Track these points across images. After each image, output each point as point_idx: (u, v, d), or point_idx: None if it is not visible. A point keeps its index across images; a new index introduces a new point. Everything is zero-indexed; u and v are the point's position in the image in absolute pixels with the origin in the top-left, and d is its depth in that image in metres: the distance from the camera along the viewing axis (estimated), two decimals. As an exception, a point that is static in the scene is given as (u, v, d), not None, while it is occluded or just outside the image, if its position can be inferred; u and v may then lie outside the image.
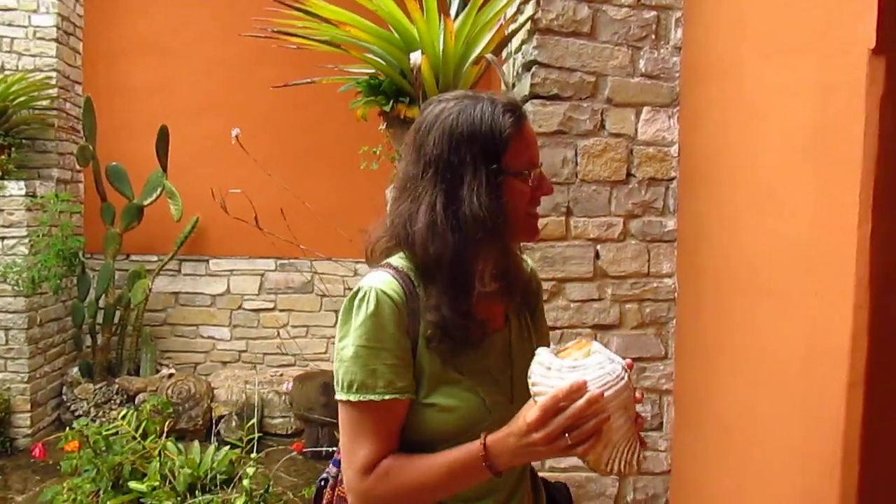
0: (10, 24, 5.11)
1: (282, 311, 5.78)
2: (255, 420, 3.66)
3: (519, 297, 1.35)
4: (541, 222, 2.33)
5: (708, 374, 2.25)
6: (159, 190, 5.19)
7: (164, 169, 5.17)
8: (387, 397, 1.16)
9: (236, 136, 2.86)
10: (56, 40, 5.15)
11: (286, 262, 5.70)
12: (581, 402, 1.03)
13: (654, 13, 2.39)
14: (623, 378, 1.07)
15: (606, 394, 1.04)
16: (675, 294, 2.44)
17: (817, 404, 1.71)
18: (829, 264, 1.63)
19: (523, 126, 1.22)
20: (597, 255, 2.41)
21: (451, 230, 1.17)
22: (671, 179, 2.43)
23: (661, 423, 2.47)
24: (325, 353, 5.75)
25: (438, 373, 1.21)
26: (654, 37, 2.39)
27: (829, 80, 1.65)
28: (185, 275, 5.73)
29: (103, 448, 3.26)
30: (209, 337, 5.76)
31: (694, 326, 2.34)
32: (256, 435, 3.32)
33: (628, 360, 1.12)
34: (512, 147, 1.19)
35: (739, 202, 2.05)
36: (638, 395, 1.12)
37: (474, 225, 1.16)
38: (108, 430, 3.35)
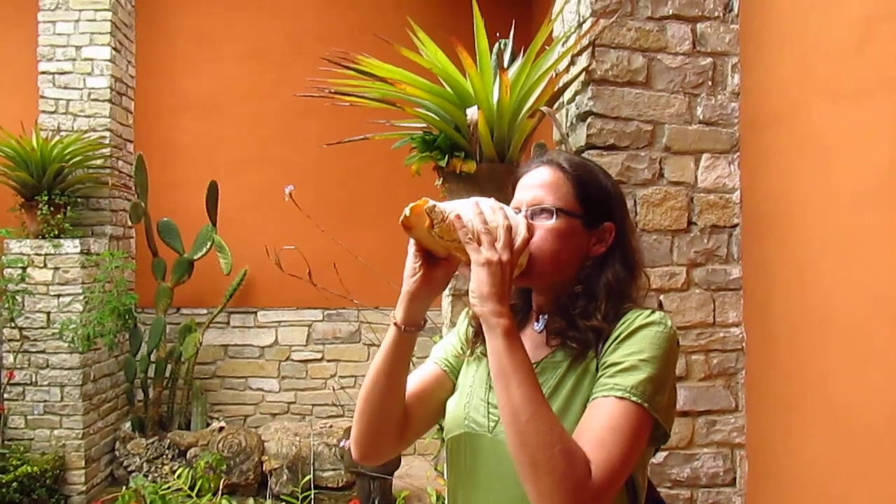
0: (66, 87, 5.28)
1: (329, 361, 5.77)
2: (310, 476, 3.62)
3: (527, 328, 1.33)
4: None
5: (783, 427, 2.17)
6: (209, 244, 5.26)
7: (214, 223, 5.25)
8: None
9: (290, 193, 2.88)
10: (109, 101, 5.31)
11: (333, 312, 5.72)
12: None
13: (709, 60, 2.36)
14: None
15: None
16: (744, 344, 2.37)
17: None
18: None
19: (522, 175, 1.29)
20: (660, 306, 2.35)
21: None
22: (734, 226, 2.37)
23: (735, 479, 2.38)
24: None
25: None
26: (710, 83, 2.36)
27: (907, 126, 1.60)
28: (234, 327, 5.77)
29: (160, 507, 3.25)
30: (258, 389, 5.76)
31: (766, 377, 2.26)
32: (313, 492, 3.28)
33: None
34: (517, 187, 1.29)
35: (812, 248, 1.99)
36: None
37: None
38: (163, 489, 3.34)
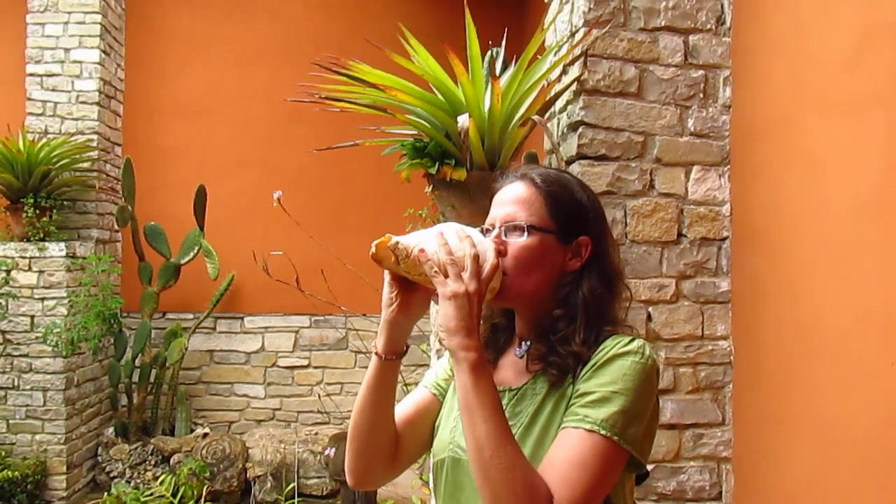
0: (54, 90, 5.25)
1: (316, 367, 5.73)
2: (294, 484, 3.58)
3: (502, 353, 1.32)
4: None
5: (770, 441, 2.16)
6: (196, 249, 5.23)
7: (202, 228, 5.21)
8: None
9: (278, 199, 2.86)
10: (98, 104, 5.27)
11: (321, 318, 5.68)
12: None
13: (701, 72, 2.36)
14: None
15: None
16: (732, 357, 2.36)
17: (894, 480, 1.62)
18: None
19: (497, 190, 1.28)
20: (648, 318, 2.34)
21: None
22: (724, 239, 2.37)
23: (721, 493, 2.36)
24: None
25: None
26: (702, 96, 2.36)
27: (898, 141, 1.60)
28: (220, 332, 5.73)
29: (141, 514, 3.20)
30: (244, 395, 5.72)
31: (753, 391, 2.25)
32: (297, 500, 3.24)
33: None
34: (492, 202, 1.28)
35: (801, 262, 1.99)
36: None
37: None
38: (145, 495, 3.30)
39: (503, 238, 1.21)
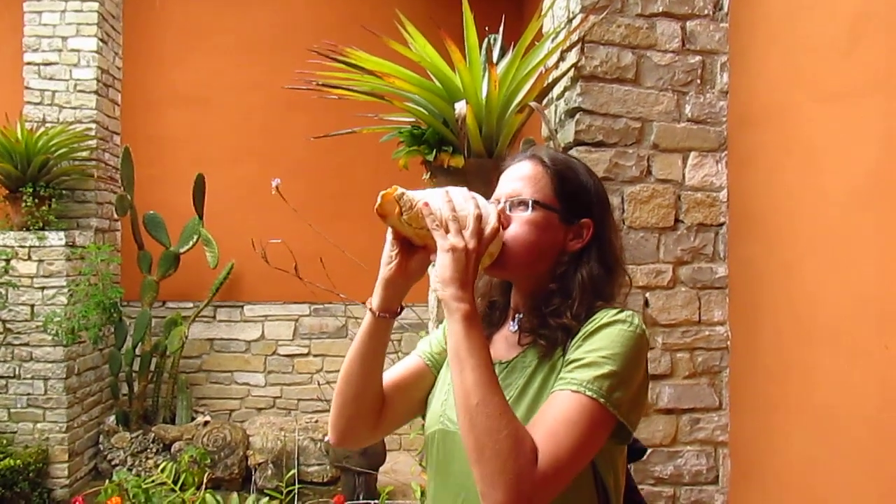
0: (51, 78, 5.24)
1: (316, 356, 5.75)
2: (295, 471, 3.61)
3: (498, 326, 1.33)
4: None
5: (766, 425, 2.17)
6: (196, 238, 5.23)
7: (201, 216, 5.22)
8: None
9: (276, 187, 2.86)
10: (96, 93, 5.26)
11: (320, 306, 5.70)
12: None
13: (698, 58, 2.36)
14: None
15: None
16: (728, 342, 2.37)
17: (890, 463, 1.63)
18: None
19: (513, 164, 1.30)
20: (646, 303, 2.35)
21: None
22: (720, 225, 2.38)
23: (717, 477, 2.38)
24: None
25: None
26: (699, 82, 2.36)
27: (893, 125, 1.60)
28: (220, 321, 5.74)
29: (143, 501, 3.23)
30: (244, 383, 5.74)
31: (750, 376, 2.27)
32: (297, 487, 3.27)
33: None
34: (500, 180, 1.30)
35: (798, 248, 2.00)
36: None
37: None
38: (146, 482, 3.32)
39: (507, 213, 1.23)
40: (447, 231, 1.12)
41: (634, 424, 1.16)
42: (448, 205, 1.14)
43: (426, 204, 1.14)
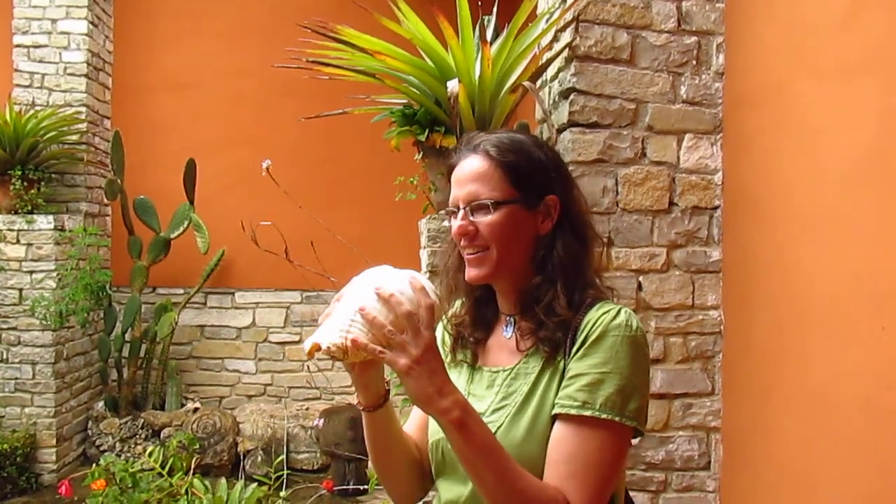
0: (41, 61, 5.17)
1: (307, 343, 5.71)
2: (283, 457, 3.58)
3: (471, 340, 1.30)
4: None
5: (760, 411, 2.15)
6: (186, 223, 5.19)
7: (192, 202, 5.17)
8: None
9: (267, 168, 2.83)
10: (86, 76, 5.20)
11: (312, 294, 5.66)
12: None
13: (694, 38, 2.33)
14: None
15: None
16: (722, 327, 2.35)
17: (885, 446, 1.61)
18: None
19: (455, 165, 1.25)
20: (639, 287, 2.33)
21: None
22: (715, 208, 2.35)
23: (709, 463, 2.36)
24: (351, 386, 5.66)
25: None
26: (695, 62, 2.33)
27: (891, 102, 1.57)
28: (211, 307, 5.70)
29: (129, 485, 3.19)
30: (234, 370, 5.71)
31: (743, 361, 2.25)
32: (285, 472, 3.24)
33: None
34: (451, 181, 1.25)
35: (794, 230, 1.97)
36: None
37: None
38: (134, 467, 3.28)
39: (471, 219, 1.19)
40: (392, 348, 1.03)
41: (645, 424, 1.16)
42: (373, 326, 1.04)
43: (354, 341, 1.03)
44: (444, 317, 1.33)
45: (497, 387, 1.22)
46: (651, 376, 2.33)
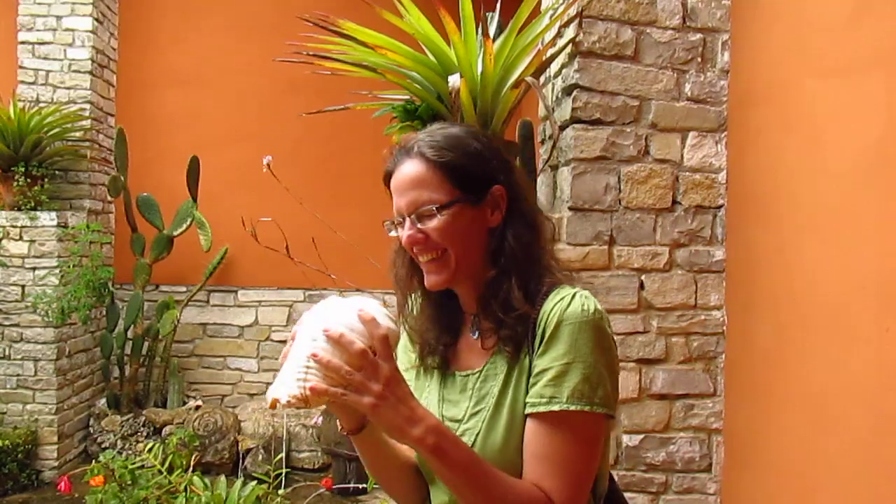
0: (45, 58, 5.17)
1: (310, 342, 5.69)
2: (282, 455, 3.56)
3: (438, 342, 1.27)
4: (582, 251, 2.26)
5: (761, 413, 2.13)
6: (189, 220, 5.18)
7: (195, 199, 5.16)
8: None
9: (268, 164, 2.81)
10: (90, 73, 5.20)
11: (315, 292, 5.63)
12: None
13: (699, 36, 2.31)
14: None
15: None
16: (724, 327, 2.33)
17: (888, 449, 1.59)
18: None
19: (392, 172, 1.20)
20: (641, 286, 2.30)
21: None
22: (719, 207, 2.33)
23: (710, 465, 2.34)
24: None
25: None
26: (699, 60, 2.31)
27: (898, 99, 1.55)
28: (214, 305, 5.69)
29: (129, 482, 3.18)
30: (236, 368, 5.69)
31: (746, 362, 2.22)
32: (284, 470, 3.22)
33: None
34: (391, 189, 1.21)
35: (798, 230, 1.95)
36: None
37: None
38: (133, 464, 3.27)
39: (418, 226, 1.15)
40: (353, 388, 1.01)
41: (616, 406, 1.15)
42: (329, 367, 1.01)
43: (313, 388, 1.00)
44: (403, 326, 1.29)
45: (470, 390, 1.20)
46: (652, 377, 2.31)
